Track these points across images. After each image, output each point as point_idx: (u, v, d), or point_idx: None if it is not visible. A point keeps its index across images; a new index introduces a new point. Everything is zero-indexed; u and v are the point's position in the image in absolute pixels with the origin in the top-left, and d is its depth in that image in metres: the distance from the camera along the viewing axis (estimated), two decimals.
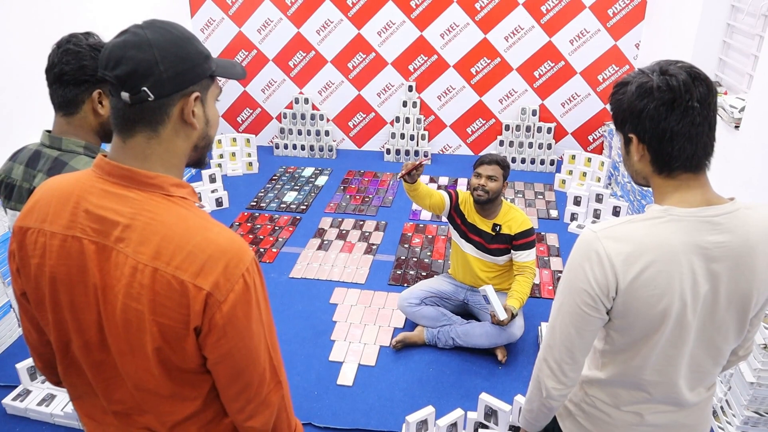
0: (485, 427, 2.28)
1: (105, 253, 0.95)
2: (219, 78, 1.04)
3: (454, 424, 2.26)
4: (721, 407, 2.36)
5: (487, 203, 2.78)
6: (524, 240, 2.78)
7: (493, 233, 2.80)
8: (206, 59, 0.99)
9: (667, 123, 1.05)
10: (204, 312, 0.93)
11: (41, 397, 2.52)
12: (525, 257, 2.78)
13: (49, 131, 1.40)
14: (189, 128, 0.99)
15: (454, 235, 2.96)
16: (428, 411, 2.28)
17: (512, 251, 2.82)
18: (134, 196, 0.96)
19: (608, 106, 1.17)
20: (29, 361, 2.60)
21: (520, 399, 2.25)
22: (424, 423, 2.27)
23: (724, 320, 1.14)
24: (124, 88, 0.92)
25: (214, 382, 1.03)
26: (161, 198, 0.96)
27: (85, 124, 1.38)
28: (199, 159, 1.06)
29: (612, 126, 4.72)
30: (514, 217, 2.80)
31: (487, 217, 2.83)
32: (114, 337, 0.98)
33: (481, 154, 2.83)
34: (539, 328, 2.97)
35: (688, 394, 1.21)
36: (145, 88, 0.92)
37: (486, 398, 2.25)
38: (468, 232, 2.87)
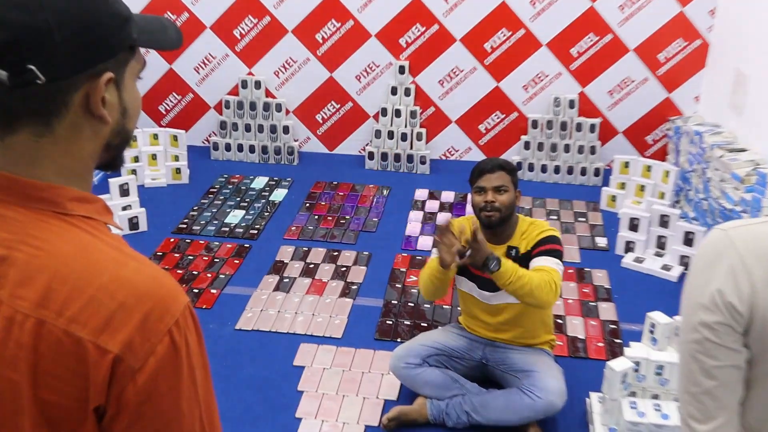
0: None
1: None
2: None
3: None
4: None
5: (501, 224, 2.81)
6: (544, 247, 2.78)
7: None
8: (124, 23, 0.98)
9: None
10: (110, 385, 0.92)
11: None
12: (544, 262, 2.73)
13: None
14: (97, 122, 0.98)
15: (456, 280, 3.00)
16: None
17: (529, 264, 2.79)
18: (14, 215, 0.95)
19: None
20: None
21: None
22: None
23: None
24: (1, 65, 0.90)
25: None
26: (54, 218, 0.96)
27: None
28: (112, 160, 1.07)
29: (678, 122, 4.84)
30: (534, 230, 2.84)
31: (499, 242, 2.87)
32: None
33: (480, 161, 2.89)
34: (587, 400, 2.98)
35: None
36: (32, 66, 0.90)
37: None
38: (469, 266, 2.87)
